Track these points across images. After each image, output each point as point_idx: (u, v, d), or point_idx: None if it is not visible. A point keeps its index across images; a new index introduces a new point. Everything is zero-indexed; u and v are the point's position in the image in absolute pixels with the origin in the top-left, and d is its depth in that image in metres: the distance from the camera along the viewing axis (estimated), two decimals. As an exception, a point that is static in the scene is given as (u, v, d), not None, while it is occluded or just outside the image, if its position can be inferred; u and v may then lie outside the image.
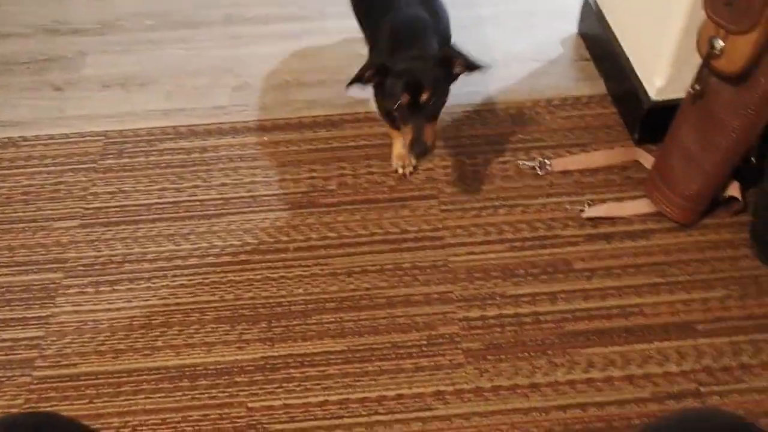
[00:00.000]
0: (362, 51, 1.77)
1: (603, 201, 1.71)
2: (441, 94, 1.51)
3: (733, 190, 1.62)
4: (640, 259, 1.61)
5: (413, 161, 1.81)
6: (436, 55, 1.50)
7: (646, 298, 1.54)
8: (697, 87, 1.51)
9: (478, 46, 2.05)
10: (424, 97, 1.46)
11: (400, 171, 1.80)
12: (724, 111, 1.48)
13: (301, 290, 1.59)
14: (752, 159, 1.59)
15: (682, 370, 1.43)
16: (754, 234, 1.61)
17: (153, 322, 1.55)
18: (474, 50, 1.51)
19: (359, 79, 1.50)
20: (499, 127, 1.90)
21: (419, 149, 1.48)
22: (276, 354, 1.49)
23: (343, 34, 2.18)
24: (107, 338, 1.52)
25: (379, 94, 1.64)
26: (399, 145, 1.79)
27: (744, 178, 1.63)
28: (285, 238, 1.69)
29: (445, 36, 1.65)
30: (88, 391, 1.44)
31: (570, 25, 2.17)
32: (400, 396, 1.42)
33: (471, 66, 1.50)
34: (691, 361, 1.44)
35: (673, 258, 1.61)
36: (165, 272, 1.63)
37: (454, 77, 1.53)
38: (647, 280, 1.57)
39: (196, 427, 1.38)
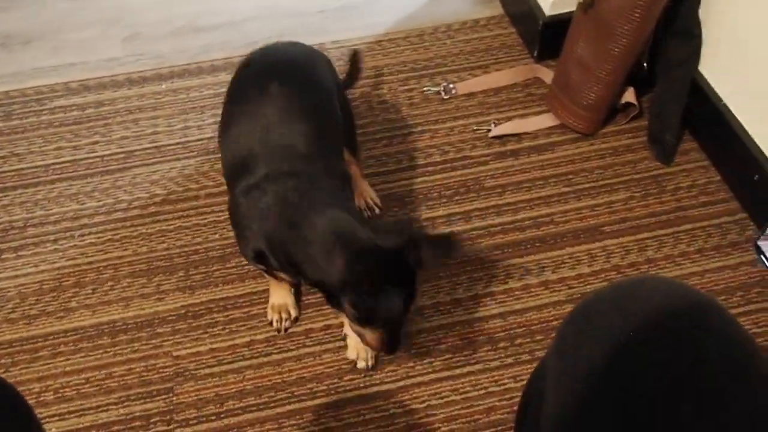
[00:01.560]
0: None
1: (508, 119, 1.74)
2: None
3: (629, 96, 1.68)
4: (548, 171, 1.65)
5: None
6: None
7: (556, 208, 1.59)
8: (587, -4, 1.54)
9: (374, -24, 2.03)
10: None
11: (276, 325, 1.41)
12: (613, 17, 1.51)
13: (217, 236, 1.56)
14: (644, 64, 1.65)
15: (593, 270, 1.49)
16: (650, 136, 1.68)
17: (64, 284, 1.49)
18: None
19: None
20: (401, 55, 1.89)
21: (392, 349, 1.17)
22: (197, 301, 1.46)
23: (233, -26, 2.10)
24: (17, 305, 1.46)
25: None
26: (280, 294, 1.41)
27: (638, 83, 1.69)
28: (195, 186, 1.64)
29: None
30: (2, 361, 1.38)
31: (463, -51, 2.16)
32: (327, 327, 1.42)
33: None
34: (601, 261, 1.51)
35: (577, 167, 1.66)
36: (71, 232, 1.57)
37: None
38: (555, 191, 1.62)
39: (122, 382, 1.35)
